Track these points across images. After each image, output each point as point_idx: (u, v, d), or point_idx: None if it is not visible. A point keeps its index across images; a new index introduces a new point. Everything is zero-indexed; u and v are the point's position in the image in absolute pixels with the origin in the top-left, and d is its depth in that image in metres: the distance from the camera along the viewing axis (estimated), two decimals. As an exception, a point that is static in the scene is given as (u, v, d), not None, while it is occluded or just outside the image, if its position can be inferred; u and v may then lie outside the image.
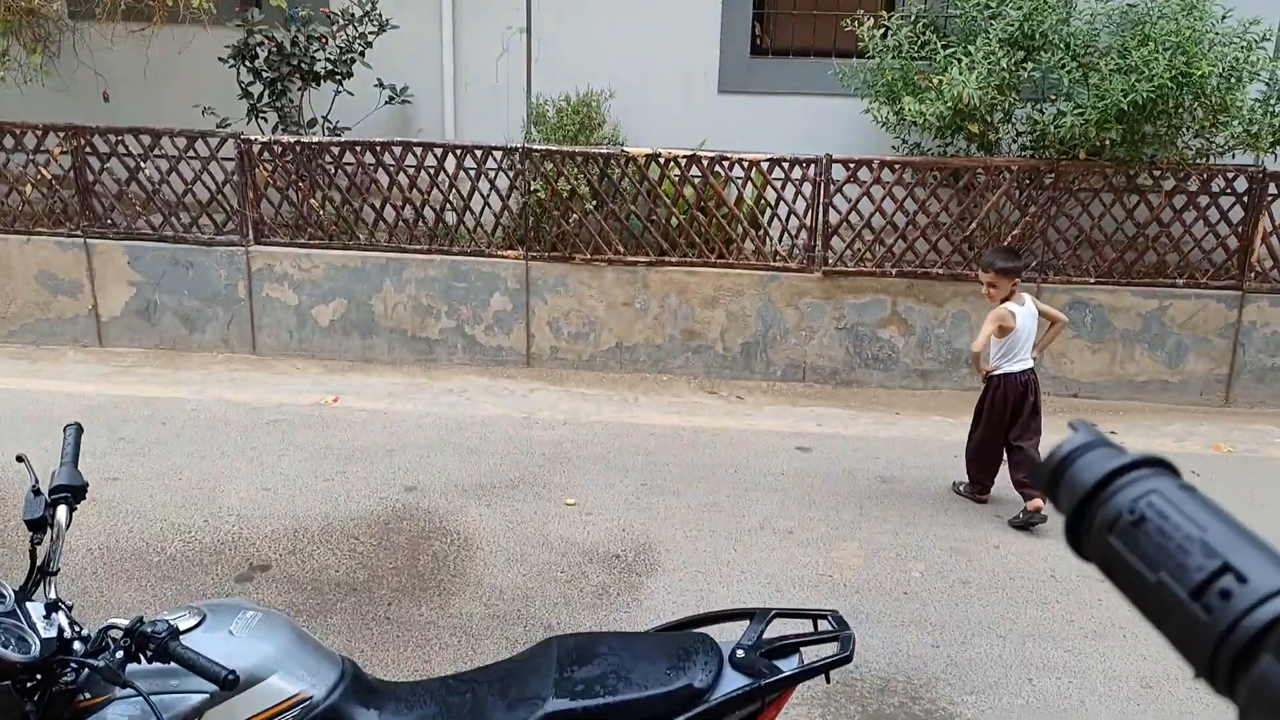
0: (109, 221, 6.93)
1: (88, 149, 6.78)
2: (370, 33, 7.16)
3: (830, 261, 6.66)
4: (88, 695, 1.80)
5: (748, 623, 2.07)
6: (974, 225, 6.50)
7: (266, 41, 7.14)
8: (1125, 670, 3.74)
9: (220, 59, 7.21)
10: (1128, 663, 3.79)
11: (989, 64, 6.04)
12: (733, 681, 1.89)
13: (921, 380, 6.82)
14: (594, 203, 6.66)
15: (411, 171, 6.76)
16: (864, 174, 6.50)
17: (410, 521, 4.71)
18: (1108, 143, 6.07)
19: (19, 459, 2.02)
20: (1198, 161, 6.43)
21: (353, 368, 6.90)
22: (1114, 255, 6.56)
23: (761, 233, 6.79)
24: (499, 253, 6.84)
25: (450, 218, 6.93)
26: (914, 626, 3.97)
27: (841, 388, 6.83)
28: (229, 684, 1.63)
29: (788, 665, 1.93)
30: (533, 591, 4.11)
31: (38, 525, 1.88)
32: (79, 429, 2.10)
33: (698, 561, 4.45)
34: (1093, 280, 6.56)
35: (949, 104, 6.06)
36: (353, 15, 7.13)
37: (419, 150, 6.73)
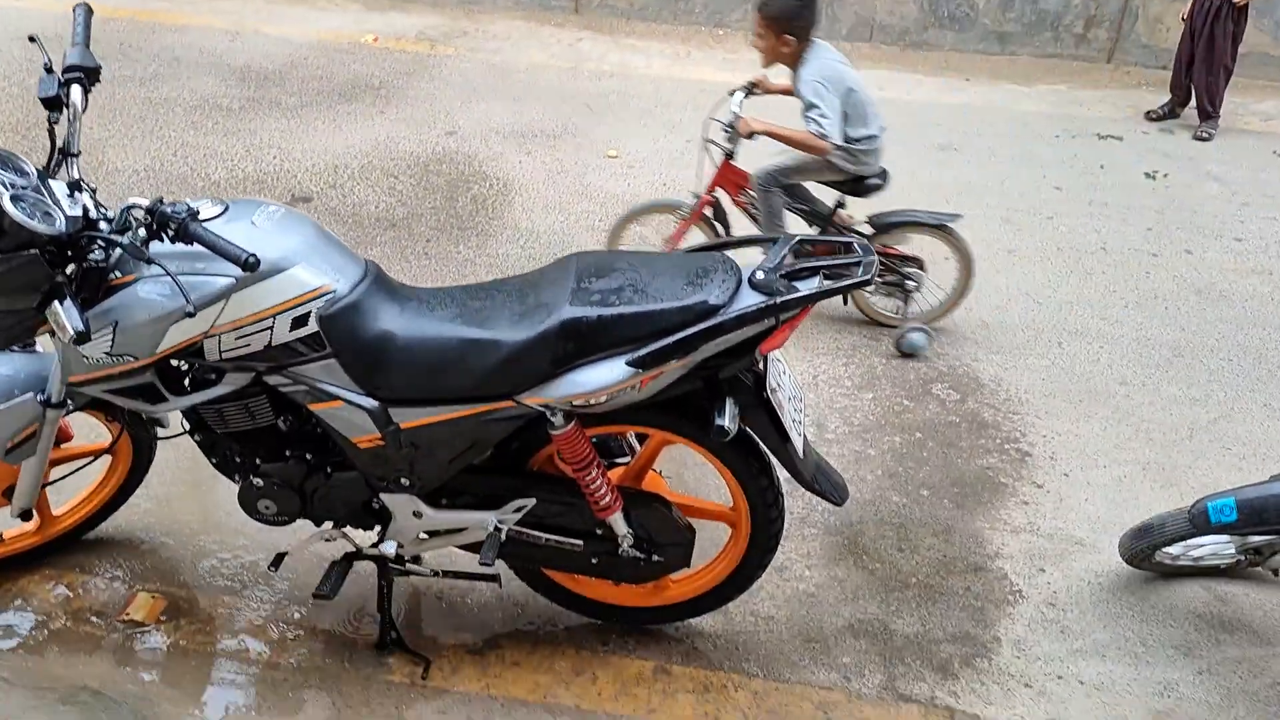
0: None
1: None
2: None
3: (913, -97, 5.99)
4: (118, 274, 1.84)
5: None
6: None
7: None
8: (1160, 338, 3.72)
9: None
10: (1164, 331, 3.76)
11: None
12: (749, 299, 1.86)
13: (999, 44, 6.32)
14: None
15: None
16: None
17: (450, 165, 4.65)
18: None
19: (31, 39, 1.95)
20: None
21: (394, 6, 6.54)
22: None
23: None
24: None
25: None
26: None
27: (910, 50, 6.39)
28: (249, 266, 1.63)
29: (806, 287, 1.89)
30: (569, 238, 4.11)
31: (53, 104, 1.85)
32: (88, 9, 2.00)
33: (744, 219, 4.39)
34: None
35: None
36: None
37: None
